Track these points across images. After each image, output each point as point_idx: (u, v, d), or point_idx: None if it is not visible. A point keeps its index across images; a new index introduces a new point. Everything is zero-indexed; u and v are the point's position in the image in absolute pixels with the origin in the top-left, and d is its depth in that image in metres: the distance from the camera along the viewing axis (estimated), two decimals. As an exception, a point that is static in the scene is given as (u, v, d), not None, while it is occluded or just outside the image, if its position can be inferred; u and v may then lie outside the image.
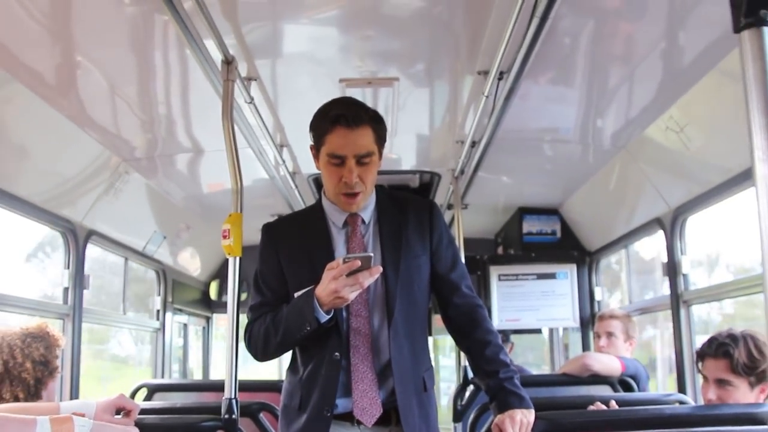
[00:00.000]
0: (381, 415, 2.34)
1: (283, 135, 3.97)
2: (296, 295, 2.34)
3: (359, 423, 2.34)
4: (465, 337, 2.51)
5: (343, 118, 2.27)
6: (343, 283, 2.12)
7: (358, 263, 2.12)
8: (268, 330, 2.36)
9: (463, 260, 4.82)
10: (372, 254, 2.16)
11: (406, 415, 2.34)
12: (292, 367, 2.50)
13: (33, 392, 2.57)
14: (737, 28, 1.30)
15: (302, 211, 2.70)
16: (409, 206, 2.52)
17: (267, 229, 2.53)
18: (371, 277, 2.15)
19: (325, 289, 2.16)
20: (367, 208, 2.47)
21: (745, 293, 3.40)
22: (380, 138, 2.37)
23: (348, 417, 2.34)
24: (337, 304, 2.19)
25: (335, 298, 2.15)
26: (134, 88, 3.18)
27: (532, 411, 2.33)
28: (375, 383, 2.33)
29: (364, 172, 2.33)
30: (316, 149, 2.38)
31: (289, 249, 2.45)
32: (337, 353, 2.32)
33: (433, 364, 2.58)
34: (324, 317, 2.22)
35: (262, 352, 2.41)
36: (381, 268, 2.19)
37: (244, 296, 6.70)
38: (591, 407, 2.90)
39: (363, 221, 2.46)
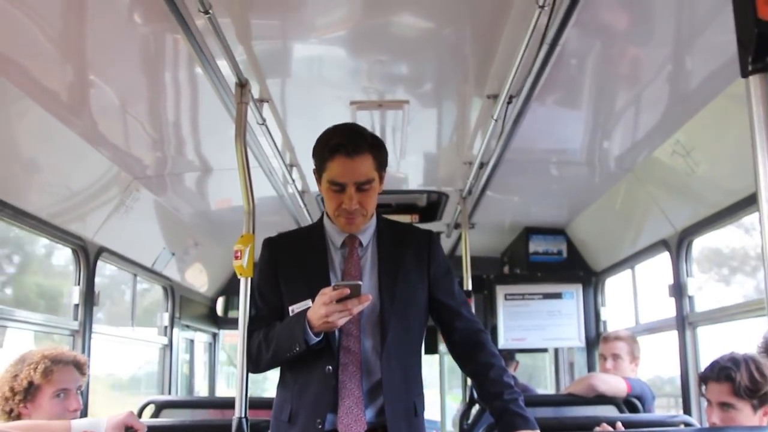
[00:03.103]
0: None
1: (293, 154, 4.00)
2: (291, 308, 2.41)
3: None
4: (469, 361, 2.56)
5: (342, 147, 2.32)
6: (333, 308, 2.20)
7: (347, 291, 2.19)
8: (260, 345, 2.44)
9: (470, 279, 4.89)
10: (361, 283, 2.24)
11: None
12: (283, 382, 2.54)
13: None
14: (745, 73, 1.31)
15: (304, 228, 2.78)
16: (408, 235, 2.60)
17: (268, 243, 2.58)
18: (360, 305, 2.22)
19: (315, 313, 2.25)
20: (366, 231, 2.53)
21: (751, 316, 3.40)
22: (380, 164, 2.43)
23: None
24: (327, 328, 2.27)
25: (324, 322, 2.23)
26: (145, 106, 3.21)
27: (538, 432, 2.35)
28: (361, 401, 2.36)
29: (364, 198, 2.39)
30: (318, 174, 2.45)
31: (288, 264, 2.51)
32: (329, 367, 2.36)
33: (440, 383, 2.59)
34: (313, 340, 2.29)
35: (254, 365, 2.51)
36: (370, 297, 2.25)
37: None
38: (597, 429, 2.90)
39: (361, 244, 2.51)
